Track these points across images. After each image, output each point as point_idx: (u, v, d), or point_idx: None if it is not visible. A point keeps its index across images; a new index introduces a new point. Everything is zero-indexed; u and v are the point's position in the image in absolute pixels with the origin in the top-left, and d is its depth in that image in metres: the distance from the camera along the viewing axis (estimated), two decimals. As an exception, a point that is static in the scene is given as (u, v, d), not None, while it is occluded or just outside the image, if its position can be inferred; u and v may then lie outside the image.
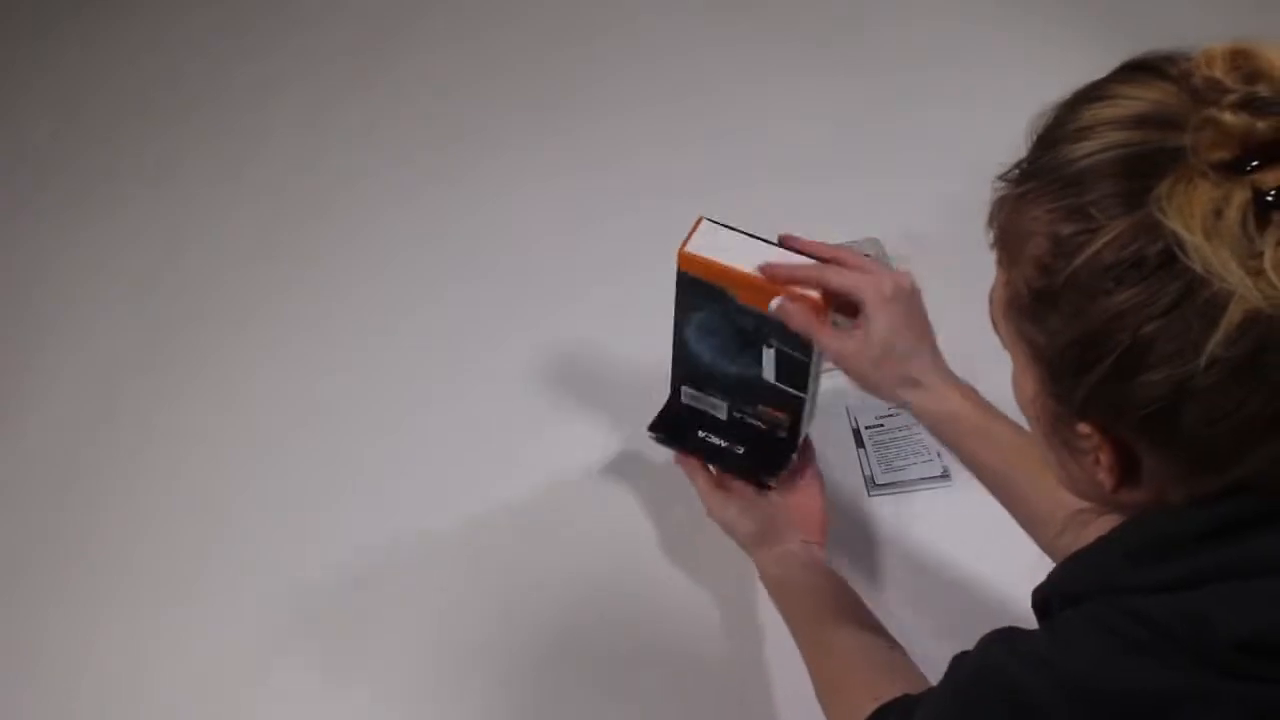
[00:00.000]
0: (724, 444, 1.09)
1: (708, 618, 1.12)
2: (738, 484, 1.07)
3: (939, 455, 1.18)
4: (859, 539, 1.16)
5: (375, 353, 1.39)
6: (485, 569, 1.19)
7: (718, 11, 1.75)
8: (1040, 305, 0.58)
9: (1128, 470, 0.59)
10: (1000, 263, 0.62)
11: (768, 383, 1.01)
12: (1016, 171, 0.60)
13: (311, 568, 1.21)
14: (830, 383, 1.07)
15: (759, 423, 1.07)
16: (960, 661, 0.66)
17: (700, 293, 0.98)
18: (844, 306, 0.91)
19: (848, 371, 0.91)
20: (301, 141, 1.67)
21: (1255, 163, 0.51)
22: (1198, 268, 0.51)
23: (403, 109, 1.69)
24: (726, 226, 0.97)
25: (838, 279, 0.89)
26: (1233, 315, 0.50)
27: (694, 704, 1.07)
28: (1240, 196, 0.51)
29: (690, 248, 0.96)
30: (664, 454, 1.15)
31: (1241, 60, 0.55)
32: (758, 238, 0.96)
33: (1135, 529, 0.60)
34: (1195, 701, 0.54)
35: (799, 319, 0.91)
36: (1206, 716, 0.54)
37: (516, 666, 1.12)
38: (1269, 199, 0.50)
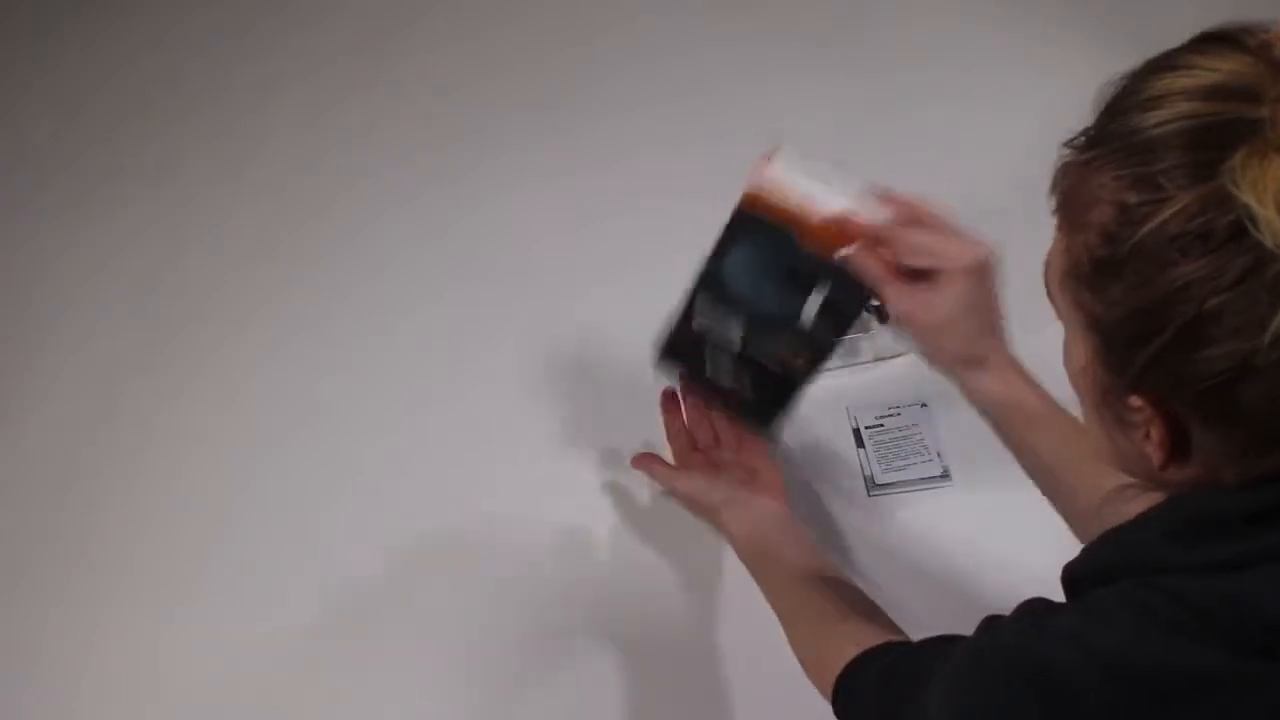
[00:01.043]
0: (732, 384, 1.05)
1: (709, 612, 1.12)
2: (697, 458, 1.10)
3: (939, 455, 1.18)
4: (859, 539, 1.16)
5: (375, 353, 1.39)
6: (485, 569, 1.19)
7: (718, 11, 1.75)
8: (1101, 274, 0.57)
9: (1177, 446, 0.58)
10: (1061, 229, 0.61)
11: (802, 327, 0.97)
12: (1083, 138, 0.59)
13: (311, 568, 1.21)
14: (831, 382, 1.07)
15: (773, 365, 1.02)
16: (990, 626, 0.65)
17: (757, 229, 0.94)
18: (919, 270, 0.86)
19: (909, 331, 0.87)
20: (301, 141, 1.67)
21: None
22: (1268, 242, 0.50)
23: (403, 109, 1.69)
24: (801, 161, 0.92)
25: (916, 239, 0.84)
26: None
27: (694, 693, 1.07)
28: None
29: (759, 183, 0.92)
30: (664, 455, 1.15)
31: None
32: (836, 177, 0.91)
33: (1176, 508, 0.59)
34: (1233, 682, 0.53)
35: (870, 270, 0.86)
36: (1244, 697, 0.53)
37: (517, 665, 1.12)
38: None
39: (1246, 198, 0.50)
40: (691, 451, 1.13)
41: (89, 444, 1.35)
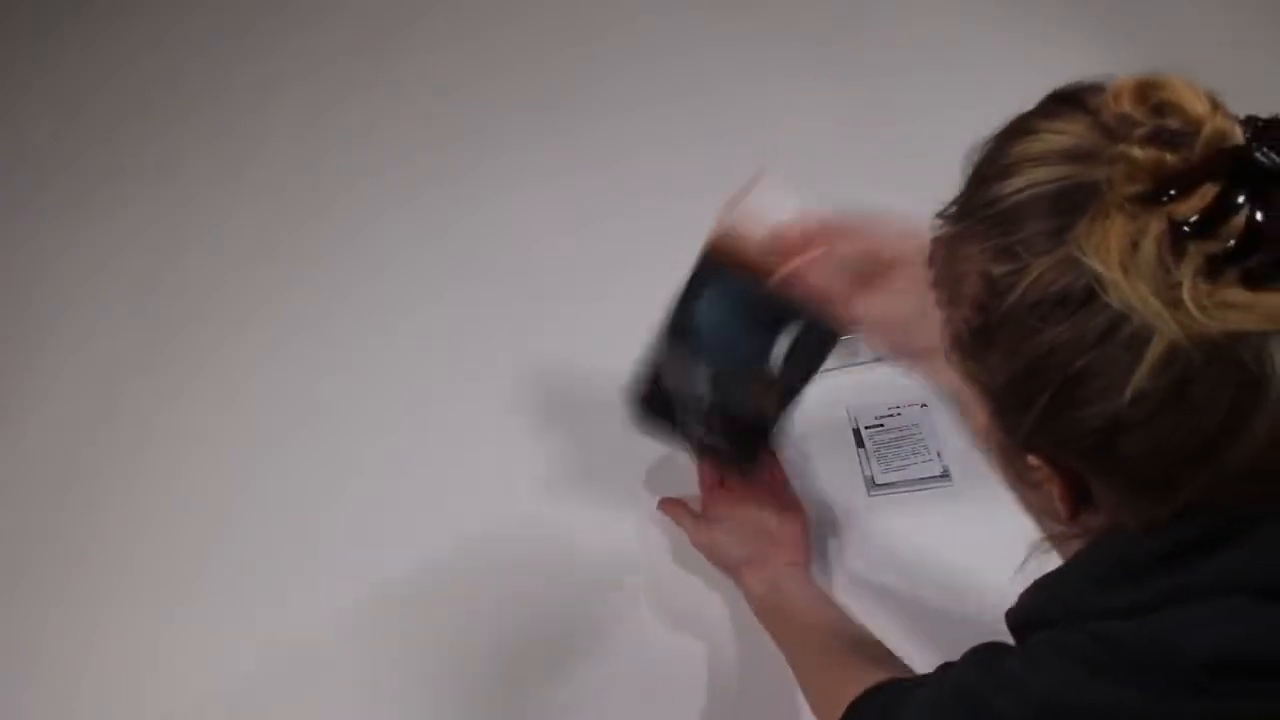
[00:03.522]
0: (704, 432, 1.06)
1: (709, 618, 1.12)
2: (722, 510, 1.09)
3: (939, 455, 1.18)
4: (859, 539, 1.16)
5: (375, 353, 1.39)
6: (485, 568, 1.19)
7: (718, 11, 1.75)
8: (979, 344, 0.59)
9: (1080, 497, 0.60)
10: (939, 303, 0.63)
11: (770, 371, 0.98)
12: (953, 208, 0.61)
13: (311, 568, 1.21)
14: (831, 382, 1.07)
15: (742, 407, 1.02)
16: (944, 674, 0.67)
17: (721, 276, 0.94)
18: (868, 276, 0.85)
19: (876, 333, 0.85)
20: (301, 141, 1.67)
21: (1169, 194, 0.52)
22: (1116, 304, 0.51)
23: (403, 109, 1.69)
24: (772, 198, 0.91)
25: (854, 241, 0.84)
26: (1155, 348, 0.51)
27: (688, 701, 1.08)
28: (1156, 228, 0.51)
29: (723, 230, 0.91)
30: (664, 455, 1.15)
31: (1150, 93, 0.55)
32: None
33: (1094, 555, 0.61)
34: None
35: (819, 285, 0.85)
36: None
37: (515, 666, 1.12)
38: (1184, 229, 0.51)
39: (1092, 262, 0.52)
40: (717, 488, 1.12)
41: (89, 444, 1.35)
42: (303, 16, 1.86)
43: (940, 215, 0.62)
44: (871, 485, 1.19)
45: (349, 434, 1.31)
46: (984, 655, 0.65)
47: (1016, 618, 0.65)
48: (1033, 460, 0.59)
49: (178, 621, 1.19)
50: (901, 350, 0.85)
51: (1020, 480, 0.64)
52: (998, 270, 0.56)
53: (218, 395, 1.38)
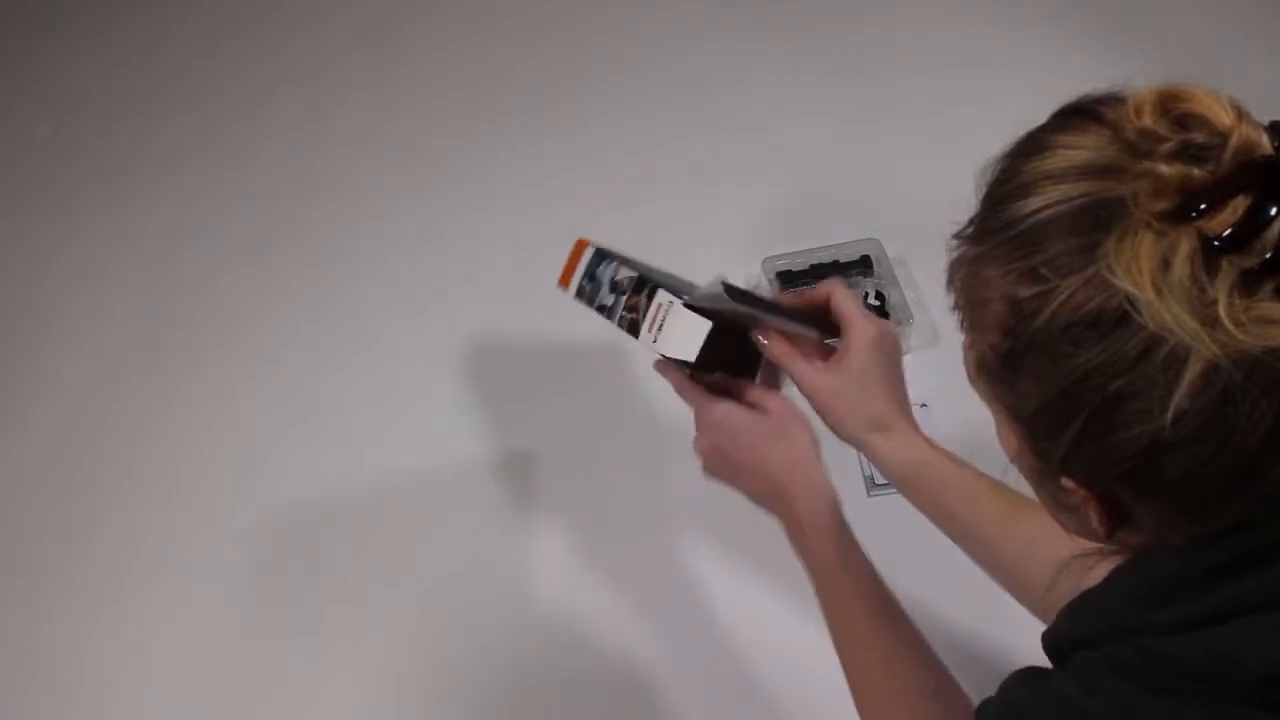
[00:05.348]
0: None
1: (707, 601, 1.12)
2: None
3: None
4: (859, 539, 1.15)
5: (375, 353, 1.39)
6: (485, 569, 1.19)
7: (718, 12, 1.75)
8: (1008, 369, 0.57)
9: (1118, 519, 0.58)
10: (962, 326, 0.61)
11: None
12: (970, 229, 0.59)
13: (312, 567, 1.21)
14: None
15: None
16: (983, 710, 0.65)
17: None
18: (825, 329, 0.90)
19: (817, 405, 0.88)
20: (301, 142, 1.67)
21: (1199, 209, 0.50)
22: (1151, 325, 0.50)
23: (403, 109, 1.69)
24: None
25: (842, 297, 0.88)
26: (1193, 369, 0.49)
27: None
28: (1187, 245, 0.50)
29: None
30: (669, 449, 1.15)
31: (1171, 105, 0.54)
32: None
33: (1140, 571, 0.59)
34: None
35: (779, 353, 0.89)
36: None
37: (517, 667, 1.12)
38: (1216, 244, 0.50)
39: (1123, 283, 0.50)
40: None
41: (89, 444, 1.35)
42: (303, 16, 1.86)
43: (956, 237, 0.60)
44: (871, 485, 1.19)
45: (349, 434, 1.31)
46: (1027, 679, 0.63)
47: (1057, 637, 0.63)
48: (1067, 484, 0.57)
49: (178, 621, 1.19)
50: (835, 424, 0.88)
51: (1056, 504, 0.62)
52: (1024, 293, 0.54)
53: (217, 395, 1.38)
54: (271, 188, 1.61)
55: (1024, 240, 0.54)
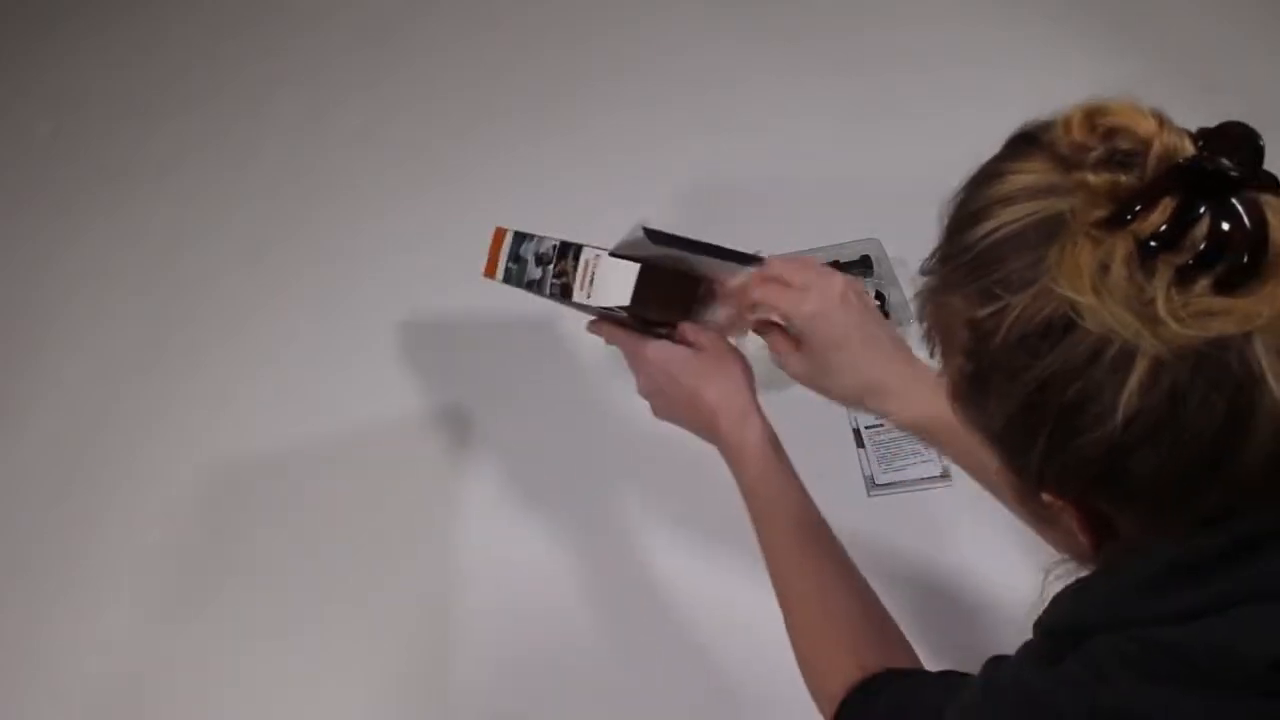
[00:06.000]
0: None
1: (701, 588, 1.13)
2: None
3: (938, 455, 1.18)
4: (859, 539, 1.15)
5: (376, 354, 1.39)
6: (486, 569, 1.19)
7: (718, 12, 1.75)
8: (976, 390, 0.59)
9: (1101, 528, 0.59)
10: (933, 355, 0.63)
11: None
12: (933, 261, 0.61)
13: (312, 568, 1.21)
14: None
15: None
16: (1000, 665, 0.65)
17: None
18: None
19: (810, 389, 0.90)
20: (301, 142, 1.67)
21: (1131, 213, 0.52)
22: (1094, 328, 0.51)
23: (403, 109, 1.69)
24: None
25: (761, 298, 0.89)
26: (1140, 366, 0.51)
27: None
28: (1123, 248, 0.52)
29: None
30: (666, 444, 1.15)
31: (1097, 119, 0.56)
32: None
33: (1135, 561, 0.59)
34: None
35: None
36: None
37: (517, 660, 1.12)
38: (1151, 244, 0.52)
39: (1065, 290, 0.52)
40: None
41: (89, 444, 1.35)
42: (303, 16, 1.86)
43: (921, 271, 0.62)
44: (871, 485, 1.19)
45: (348, 435, 1.31)
46: (1035, 655, 0.63)
47: (1052, 624, 0.63)
48: (1046, 498, 0.59)
49: (177, 621, 1.19)
50: (832, 396, 0.90)
51: (1038, 518, 0.63)
52: (981, 313, 0.56)
53: (217, 395, 1.38)
54: (271, 188, 1.61)
55: (979, 263, 0.57)
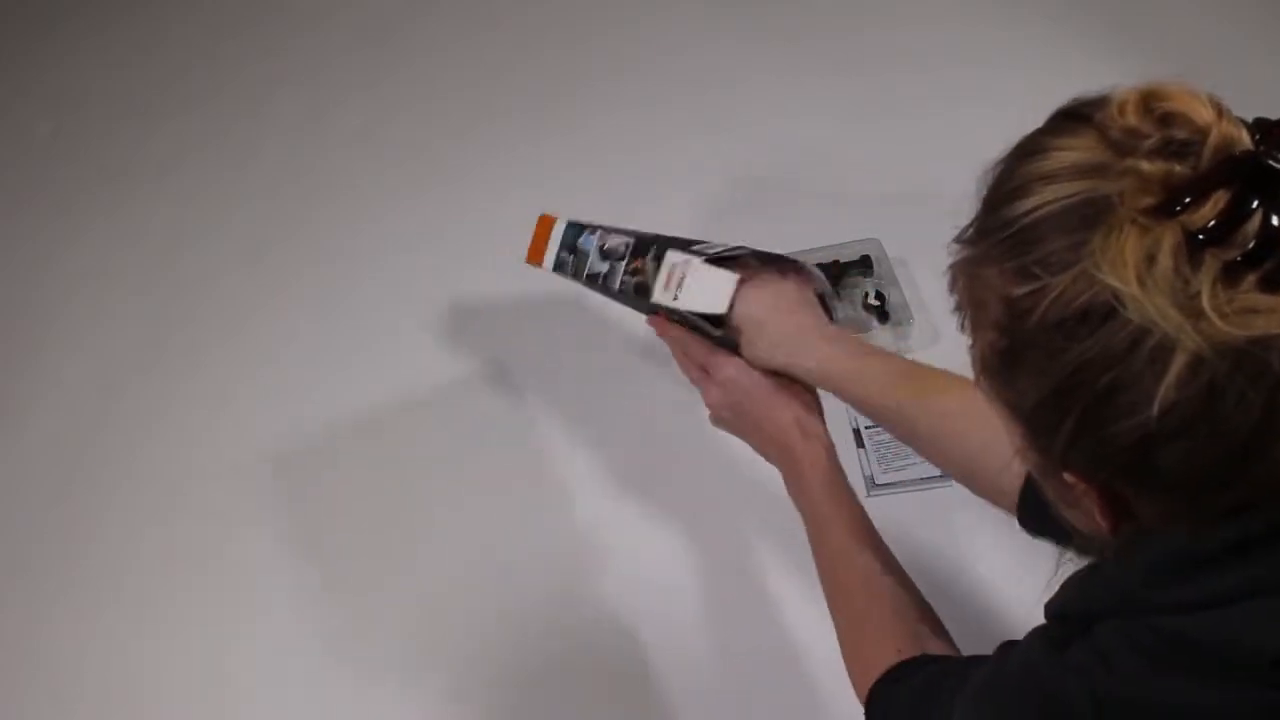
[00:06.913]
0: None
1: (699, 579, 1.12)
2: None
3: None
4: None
5: (376, 353, 1.39)
6: (487, 569, 1.19)
7: (718, 12, 1.75)
8: (1007, 367, 0.58)
9: (1121, 512, 0.59)
10: (963, 327, 0.62)
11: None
12: (969, 232, 0.60)
13: (309, 567, 1.21)
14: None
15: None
16: (1010, 651, 0.66)
17: None
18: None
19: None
20: (301, 141, 1.67)
21: (1182, 204, 0.51)
22: (1136, 319, 0.51)
23: (403, 109, 1.69)
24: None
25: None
26: (1179, 360, 0.50)
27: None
28: (1171, 239, 0.51)
29: None
30: (668, 442, 1.15)
31: (1153, 103, 0.55)
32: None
33: (1148, 549, 0.60)
34: (1247, 715, 0.54)
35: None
36: None
37: (517, 657, 1.12)
38: (1200, 238, 0.51)
39: (1109, 278, 0.51)
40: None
41: (89, 444, 1.35)
42: (303, 17, 1.86)
43: (956, 240, 0.61)
44: (871, 485, 1.19)
45: (348, 435, 1.31)
46: (1046, 640, 0.64)
47: (1063, 609, 0.64)
48: (1069, 478, 0.58)
49: (178, 621, 1.19)
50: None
51: (1060, 499, 0.63)
52: (1018, 291, 0.55)
53: (217, 395, 1.38)
54: (271, 188, 1.61)
55: (1018, 240, 0.56)
